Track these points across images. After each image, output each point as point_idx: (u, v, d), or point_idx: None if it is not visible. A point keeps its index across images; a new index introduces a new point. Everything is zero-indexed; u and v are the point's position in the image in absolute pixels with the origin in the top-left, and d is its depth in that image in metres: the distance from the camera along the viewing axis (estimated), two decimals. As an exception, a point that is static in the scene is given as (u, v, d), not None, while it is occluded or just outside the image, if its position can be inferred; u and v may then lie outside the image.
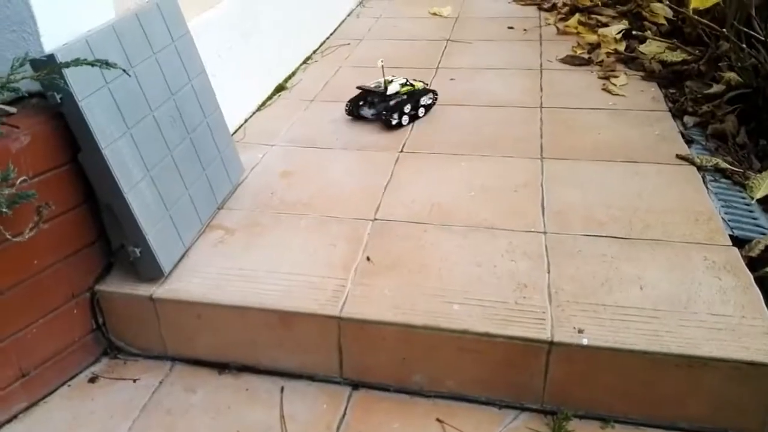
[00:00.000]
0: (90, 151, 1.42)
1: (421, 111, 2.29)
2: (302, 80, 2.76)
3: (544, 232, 1.62)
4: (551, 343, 1.30)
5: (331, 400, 1.44)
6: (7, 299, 1.37)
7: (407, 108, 2.23)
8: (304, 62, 2.99)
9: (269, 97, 2.61)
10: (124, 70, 1.44)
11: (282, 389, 1.48)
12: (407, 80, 2.35)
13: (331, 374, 1.48)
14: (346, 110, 2.31)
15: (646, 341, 1.28)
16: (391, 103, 2.22)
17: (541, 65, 2.73)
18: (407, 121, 2.24)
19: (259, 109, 2.51)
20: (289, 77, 2.80)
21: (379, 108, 2.24)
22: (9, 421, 1.43)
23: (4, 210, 1.21)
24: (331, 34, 3.38)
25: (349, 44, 3.19)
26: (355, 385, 1.47)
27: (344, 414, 1.40)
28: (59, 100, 1.36)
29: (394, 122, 2.20)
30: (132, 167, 1.49)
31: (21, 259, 1.38)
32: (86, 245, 1.54)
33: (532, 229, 1.64)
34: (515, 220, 1.67)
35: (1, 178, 1.22)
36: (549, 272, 1.48)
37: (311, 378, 1.50)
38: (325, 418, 1.39)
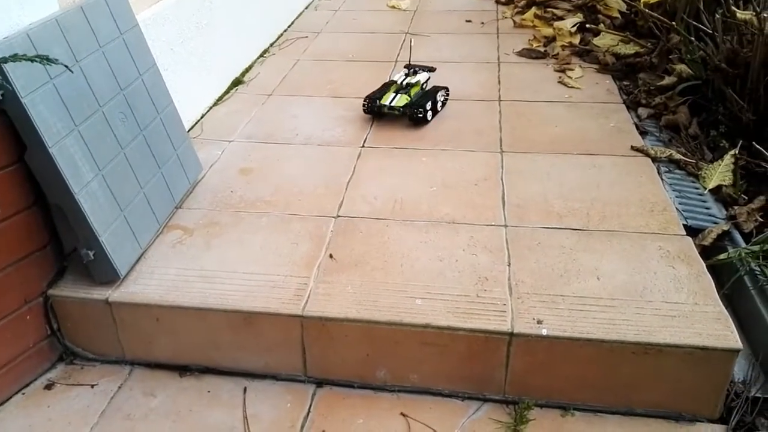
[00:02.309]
0: (36, 150, 1.36)
1: (439, 105, 2.30)
2: (260, 74, 2.72)
3: (505, 226, 1.64)
4: (511, 335, 1.32)
5: (296, 399, 1.43)
6: (-47, 307, 1.32)
7: (429, 104, 2.21)
8: (261, 55, 2.94)
9: (226, 92, 2.56)
10: (66, 66, 1.39)
11: (245, 390, 1.46)
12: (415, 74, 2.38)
13: (295, 373, 1.47)
14: (364, 108, 2.26)
15: (603, 330, 1.31)
16: (418, 97, 2.26)
17: (498, 58, 2.76)
18: (430, 116, 2.23)
19: (215, 103, 2.46)
20: (246, 71, 2.76)
21: (420, 100, 2.23)
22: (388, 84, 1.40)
23: None
24: (288, 27, 3.34)
25: (307, 37, 3.16)
26: (320, 383, 1.47)
27: (308, 412, 1.39)
28: (0, 97, 1.30)
29: (420, 116, 2.17)
30: (82, 166, 1.44)
31: (-34, 266, 1.33)
32: (38, 249, 1.48)
33: (493, 223, 1.65)
34: (476, 214, 1.69)
35: None
36: (509, 265, 1.50)
37: (275, 377, 1.48)
38: (290, 417, 1.38)
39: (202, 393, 1.45)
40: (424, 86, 2.34)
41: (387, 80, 2.44)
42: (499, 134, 2.11)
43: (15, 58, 1.26)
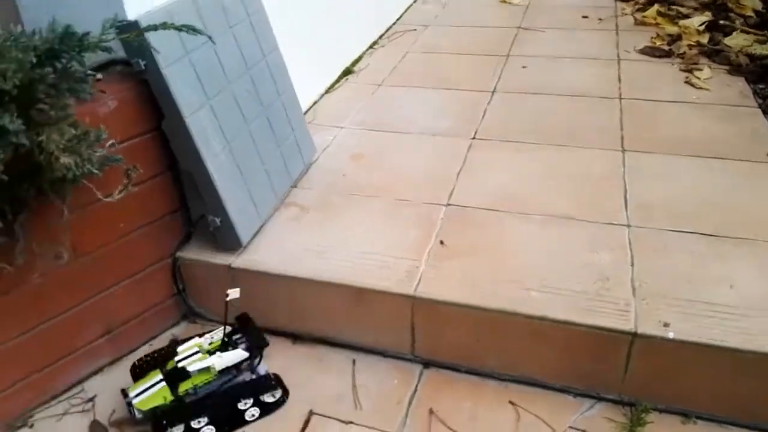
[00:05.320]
0: (173, 119, 1.44)
1: (252, 414, 1.36)
2: (369, 65, 2.76)
3: (628, 225, 1.58)
4: (635, 335, 1.27)
5: (402, 377, 1.44)
6: (95, 258, 1.43)
7: (198, 421, 1.32)
8: (371, 47, 2.98)
9: (336, 81, 2.61)
10: (209, 37, 1.44)
11: (354, 362, 1.49)
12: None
13: (402, 351, 1.49)
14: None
15: (738, 339, 1.23)
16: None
17: (618, 56, 2.65)
18: None
19: (327, 92, 2.52)
20: (356, 61, 2.81)
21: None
22: (94, 374, 1.49)
23: (95, 171, 1.21)
24: (397, 20, 3.36)
25: (415, 30, 3.16)
26: (426, 364, 1.47)
27: (415, 390, 1.40)
28: (143, 67, 1.39)
29: None
30: (212, 138, 1.51)
31: (108, 221, 1.43)
32: (168, 212, 1.58)
33: (614, 222, 1.59)
34: (596, 212, 1.63)
35: (95, 138, 1.23)
36: (633, 265, 1.44)
37: (382, 354, 1.50)
38: (397, 393, 1.40)
39: (313, 360, 1.50)
40: (232, 377, 1.38)
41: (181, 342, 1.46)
42: (620, 132, 2.03)
43: (164, 26, 1.32)
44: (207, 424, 1.32)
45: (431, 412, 1.34)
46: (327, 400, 1.39)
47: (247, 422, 1.35)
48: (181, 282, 1.62)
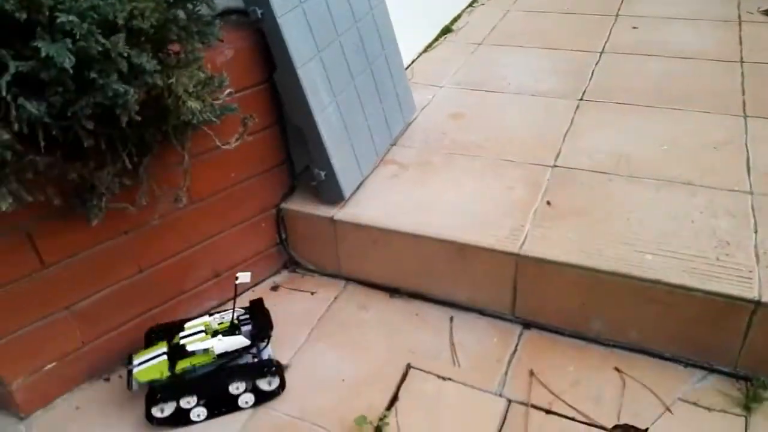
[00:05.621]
0: (285, 70, 1.45)
1: (245, 401, 1.32)
2: (468, 23, 2.70)
3: (750, 192, 1.48)
4: (758, 303, 1.20)
5: (502, 336, 1.43)
6: (206, 205, 1.49)
7: (188, 401, 1.28)
8: (470, 5, 2.91)
9: (435, 39, 2.58)
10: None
11: (451, 319, 1.49)
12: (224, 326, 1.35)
13: (502, 311, 1.47)
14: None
15: None
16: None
17: (739, 17, 2.46)
18: (203, 416, 1.30)
19: (425, 50, 2.49)
20: (455, 20, 2.76)
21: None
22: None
23: (214, 119, 1.24)
24: (497, -21, 3.26)
25: (515, -11, 3.06)
26: (527, 325, 1.46)
27: (515, 350, 1.39)
28: (260, 15, 1.39)
29: (158, 415, 1.28)
30: (321, 91, 1.53)
31: (221, 170, 1.49)
32: (275, 165, 1.62)
33: (736, 188, 1.50)
34: (716, 178, 1.54)
35: (218, 84, 1.26)
36: (756, 232, 1.35)
37: (480, 312, 1.50)
38: (496, 352, 1.39)
39: (410, 315, 1.52)
40: (235, 359, 1.31)
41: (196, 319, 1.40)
42: (742, 97, 1.90)
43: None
44: (197, 405, 1.28)
45: (531, 373, 1.33)
46: (424, 355, 1.40)
47: (241, 408, 1.31)
48: (284, 232, 1.67)
